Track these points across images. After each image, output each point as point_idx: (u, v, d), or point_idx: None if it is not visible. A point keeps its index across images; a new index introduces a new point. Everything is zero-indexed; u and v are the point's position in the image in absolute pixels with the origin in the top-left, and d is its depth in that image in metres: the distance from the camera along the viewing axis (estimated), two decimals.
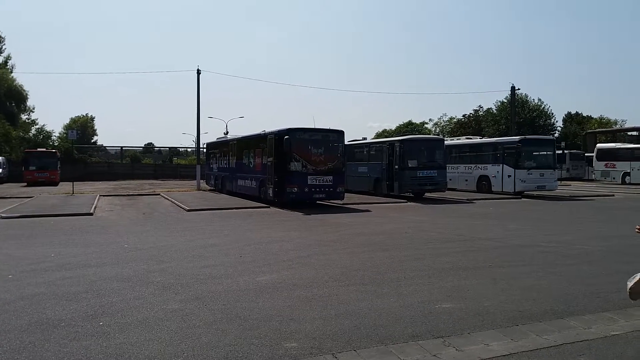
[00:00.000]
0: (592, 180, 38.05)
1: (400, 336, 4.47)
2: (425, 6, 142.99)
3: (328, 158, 17.68)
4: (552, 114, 56.66)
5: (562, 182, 30.66)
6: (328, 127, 18.52)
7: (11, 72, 46.57)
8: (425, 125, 69.80)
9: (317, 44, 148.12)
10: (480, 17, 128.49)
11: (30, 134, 47.09)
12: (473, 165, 25.38)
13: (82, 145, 56.70)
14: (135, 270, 7.25)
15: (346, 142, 19.51)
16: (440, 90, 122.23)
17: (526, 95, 55.89)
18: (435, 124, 69.32)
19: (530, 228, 12.26)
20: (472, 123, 59.16)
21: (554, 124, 57.68)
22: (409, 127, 68.82)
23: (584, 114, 64.02)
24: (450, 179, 23.68)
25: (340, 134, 18.29)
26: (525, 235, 10.90)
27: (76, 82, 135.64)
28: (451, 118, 66.76)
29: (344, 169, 18.53)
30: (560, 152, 24.02)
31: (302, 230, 11.86)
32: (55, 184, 32.75)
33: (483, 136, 41.23)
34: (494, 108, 57.38)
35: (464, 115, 62.77)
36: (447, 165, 23.18)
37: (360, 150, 25.03)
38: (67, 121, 74.10)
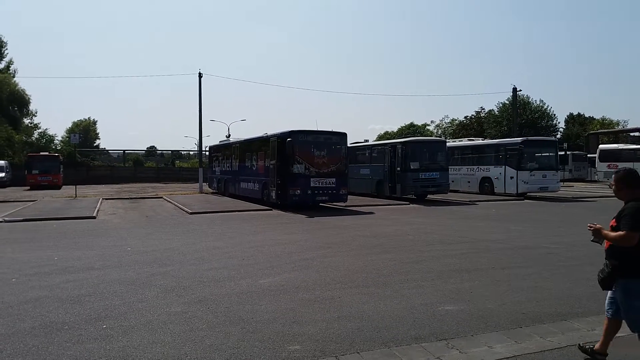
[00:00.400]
0: (594, 182, 37.95)
1: (403, 338, 4.46)
2: (426, 7, 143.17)
3: (331, 160, 17.64)
4: (554, 115, 56.57)
5: (565, 183, 30.60)
6: (330, 130, 18.53)
7: (13, 76, 46.84)
8: (427, 127, 69.72)
9: (318, 46, 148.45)
10: (481, 19, 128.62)
11: (33, 138, 47.20)
12: (475, 167, 25.34)
13: (85, 148, 56.93)
14: (138, 273, 7.26)
15: (348, 144, 19.49)
16: (442, 92, 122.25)
17: (528, 97, 55.83)
18: (437, 125, 69.27)
19: (533, 230, 12.22)
20: (474, 124, 59.02)
21: (556, 125, 57.56)
22: (410, 128, 68.72)
23: (586, 115, 63.99)
24: (452, 181, 23.66)
25: (343, 136, 18.27)
26: (528, 237, 10.87)
27: (78, 86, 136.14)
28: (453, 120, 66.71)
29: (347, 171, 18.51)
30: (562, 153, 24.00)
31: (305, 233, 11.86)
32: (58, 187, 32.83)
33: (485, 138, 41.20)
34: (495, 109, 57.28)
35: (465, 117, 62.67)
36: (450, 167, 23.15)
37: (362, 152, 25.03)
38: (70, 125, 74.63)
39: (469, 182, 25.45)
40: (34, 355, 4.09)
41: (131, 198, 23.95)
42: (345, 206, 18.40)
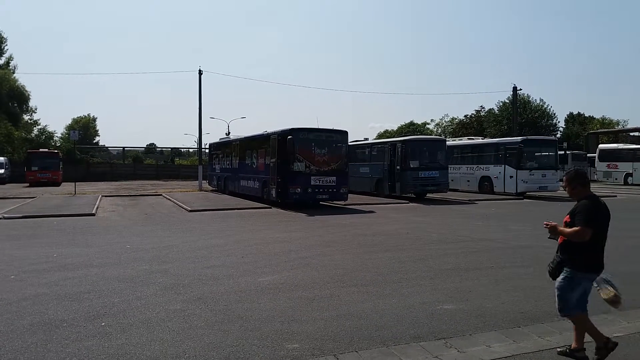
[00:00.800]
0: (594, 181, 37.95)
1: (402, 337, 4.47)
2: (427, 6, 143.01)
3: (331, 158, 17.60)
4: (554, 114, 56.52)
5: None
6: (331, 127, 18.49)
7: (13, 72, 46.72)
8: (427, 126, 69.66)
9: (318, 45, 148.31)
10: (482, 18, 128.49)
11: (33, 135, 47.21)
12: (475, 166, 25.35)
13: (84, 145, 56.87)
14: (137, 271, 7.26)
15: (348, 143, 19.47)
16: (442, 91, 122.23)
17: (528, 96, 55.79)
18: (437, 124, 69.17)
19: (532, 229, 12.22)
20: (474, 123, 58.99)
21: (556, 124, 57.52)
22: (410, 127, 68.69)
23: (586, 115, 63.97)
24: (452, 180, 23.67)
25: (343, 134, 18.23)
26: (527, 236, 10.88)
27: (78, 83, 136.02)
28: (453, 118, 66.63)
29: (348, 170, 18.49)
30: (562, 152, 23.99)
31: (304, 231, 11.86)
32: (58, 184, 32.83)
33: (485, 137, 41.16)
34: (495, 108, 57.22)
35: (465, 116, 62.62)
36: (449, 165, 23.16)
37: (362, 150, 25.02)
38: (69, 122, 74.38)
39: (468, 181, 25.45)
40: (32, 353, 4.09)
41: (130, 195, 23.95)
42: (345, 205, 18.39)
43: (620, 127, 58.12)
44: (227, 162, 24.64)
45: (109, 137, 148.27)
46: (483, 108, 60.53)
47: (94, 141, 77.46)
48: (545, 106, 55.78)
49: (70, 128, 58.17)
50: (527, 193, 23.17)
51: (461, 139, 30.85)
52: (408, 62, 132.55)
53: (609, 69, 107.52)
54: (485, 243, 9.99)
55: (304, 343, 4.32)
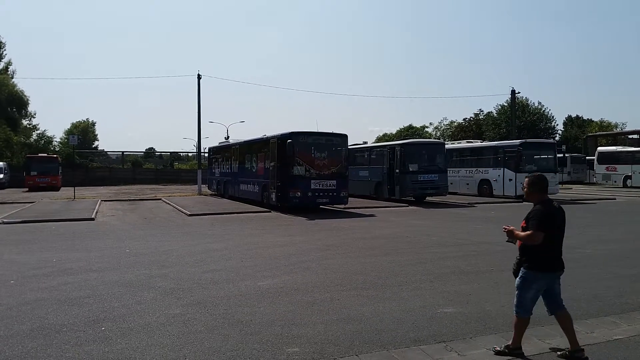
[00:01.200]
0: (593, 184, 38.00)
1: (402, 341, 4.47)
2: (425, 10, 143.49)
3: (331, 162, 17.59)
4: (553, 117, 56.68)
5: (564, 185, 30.63)
6: (331, 131, 18.50)
7: (12, 77, 46.70)
8: (426, 129, 69.75)
9: (317, 48, 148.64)
10: (480, 21, 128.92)
11: (32, 140, 47.15)
12: (474, 169, 25.37)
13: (84, 150, 56.84)
14: (137, 275, 7.25)
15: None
16: (441, 94, 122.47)
17: (527, 99, 55.93)
18: (436, 127, 69.21)
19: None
20: (473, 127, 59.09)
21: (554, 127, 57.65)
22: (409, 131, 68.83)
23: (585, 117, 64.09)
24: (451, 183, 23.70)
25: (343, 137, 18.23)
26: None
27: (77, 88, 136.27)
28: (452, 122, 66.64)
29: (348, 173, 18.49)
30: (561, 155, 23.99)
31: (304, 235, 11.85)
32: (57, 189, 32.78)
33: (484, 140, 41.23)
34: (494, 112, 57.35)
35: (464, 119, 62.71)
36: (448, 169, 23.19)
37: (361, 154, 25.04)
38: (68, 126, 74.48)
39: (467, 184, 25.47)
40: (32, 358, 4.08)
41: (130, 200, 23.93)
42: (345, 208, 18.38)
43: (618, 129, 58.28)
44: (227, 166, 24.64)
45: (108, 141, 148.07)
46: (482, 111, 60.70)
47: (93, 146, 77.56)
48: (543, 109, 55.96)
49: (69, 133, 58.12)
50: None
51: (460, 142, 30.90)
52: (407, 65, 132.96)
53: (608, 71, 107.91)
54: (485, 246, 9.99)
55: (304, 347, 4.32)
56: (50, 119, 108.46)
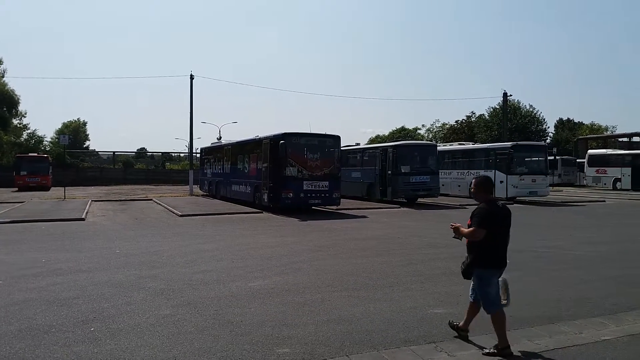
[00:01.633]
0: (583, 186, 38.34)
1: (392, 341, 4.48)
2: (418, 12, 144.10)
3: (324, 163, 17.60)
4: (544, 120, 57.15)
5: (554, 187, 30.87)
6: (324, 132, 18.52)
7: (2, 77, 46.22)
8: (418, 131, 70.05)
9: (310, 50, 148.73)
10: (473, 24, 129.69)
11: (22, 139, 46.68)
12: (465, 171, 25.49)
13: (74, 150, 56.41)
14: (127, 276, 7.21)
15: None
16: (433, 96, 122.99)
17: (518, 102, 56.35)
18: (428, 129, 69.54)
19: (522, 234, 12.28)
20: (465, 129, 59.44)
21: (545, 130, 58.13)
22: (402, 132, 69.08)
23: (576, 120, 64.69)
24: (443, 185, 23.80)
25: (336, 139, 18.24)
26: (516, 241, 10.82)
27: (68, 87, 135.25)
28: (444, 124, 67.00)
29: (340, 175, 18.49)
30: (552, 158, 24.17)
31: (296, 236, 11.85)
32: (47, 189, 32.50)
33: (475, 142, 41.44)
34: (486, 114, 57.70)
35: (456, 121, 63.09)
36: (440, 170, 23.29)
37: (353, 155, 25.07)
38: (59, 126, 73.86)
39: (459, 186, 25.59)
40: (20, 358, 4.04)
41: (120, 200, 23.77)
42: (337, 209, 18.39)
43: (609, 132, 58.84)
44: (219, 167, 24.57)
45: (100, 141, 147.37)
46: (474, 114, 61.07)
47: (84, 146, 77.02)
48: (535, 112, 56.39)
49: (60, 132, 57.63)
50: (517, 198, 23.32)
51: (452, 144, 31.05)
52: (400, 67, 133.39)
53: (599, 75, 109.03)
54: None
55: (294, 348, 4.31)
56: (42, 119, 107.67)
